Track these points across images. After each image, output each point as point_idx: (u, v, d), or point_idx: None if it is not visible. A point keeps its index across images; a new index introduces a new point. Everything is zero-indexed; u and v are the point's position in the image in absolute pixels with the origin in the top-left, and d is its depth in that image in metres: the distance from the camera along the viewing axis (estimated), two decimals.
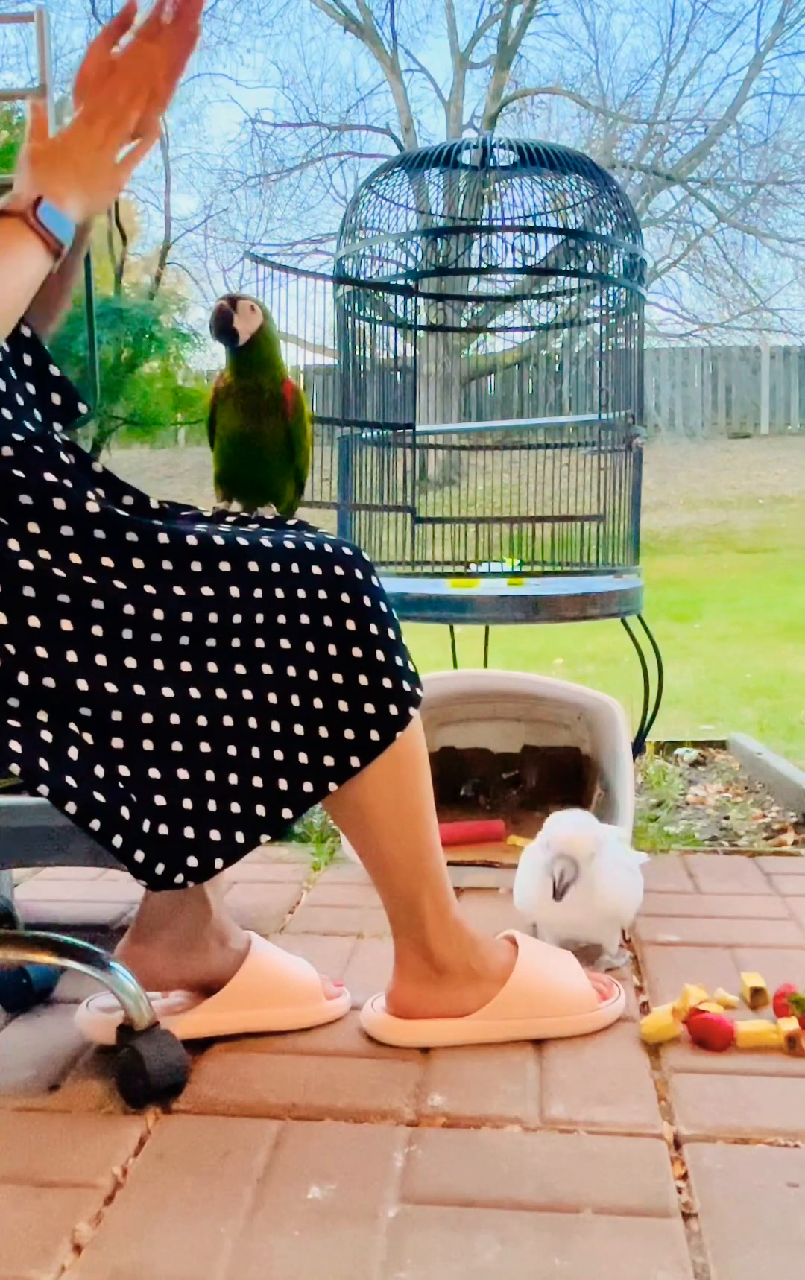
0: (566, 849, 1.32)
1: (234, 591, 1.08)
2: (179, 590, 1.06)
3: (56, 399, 1.13)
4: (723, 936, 1.53)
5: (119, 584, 1.03)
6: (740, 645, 5.12)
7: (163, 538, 1.06)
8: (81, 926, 1.62)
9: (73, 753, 1.01)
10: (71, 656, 1.01)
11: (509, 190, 2.54)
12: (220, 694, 1.08)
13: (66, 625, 1.01)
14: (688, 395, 12.84)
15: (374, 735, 1.15)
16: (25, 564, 1.00)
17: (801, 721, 3.23)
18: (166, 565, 1.06)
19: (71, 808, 1.00)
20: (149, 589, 1.05)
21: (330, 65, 18.78)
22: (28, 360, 1.12)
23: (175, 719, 1.06)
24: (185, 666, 1.07)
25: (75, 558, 1.02)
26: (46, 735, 1.00)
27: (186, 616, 1.06)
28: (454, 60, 14.35)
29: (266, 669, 1.11)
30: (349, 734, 1.14)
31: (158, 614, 1.05)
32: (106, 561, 1.03)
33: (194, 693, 1.07)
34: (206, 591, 1.07)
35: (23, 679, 0.99)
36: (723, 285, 14.48)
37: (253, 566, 1.10)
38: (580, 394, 2.80)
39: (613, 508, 2.38)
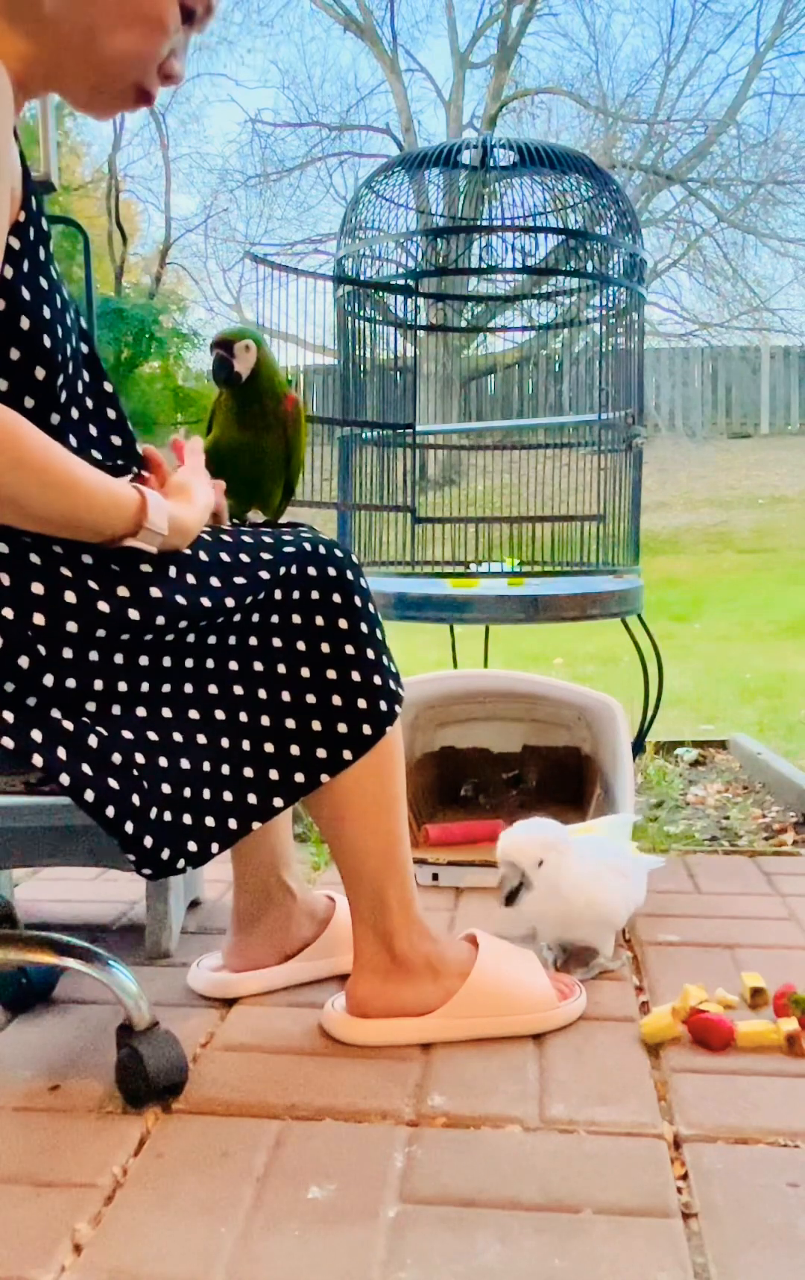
0: (509, 855, 1.31)
1: (228, 602, 1.10)
2: (155, 591, 1.07)
3: (117, 441, 1.17)
4: (723, 936, 1.53)
5: (133, 601, 1.06)
6: (740, 645, 5.12)
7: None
8: (81, 926, 1.62)
9: (93, 740, 1.03)
10: (93, 657, 1.04)
11: (509, 190, 2.55)
12: (212, 690, 1.11)
13: (71, 628, 1.03)
14: (688, 395, 12.82)
15: (366, 730, 1.18)
16: (66, 570, 1.03)
17: (801, 721, 3.23)
18: (142, 569, 1.08)
19: (89, 795, 1.02)
20: (155, 591, 1.07)
21: (330, 65, 18.76)
22: (89, 404, 1.14)
23: (167, 713, 1.09)
24: (188, 663, 1.10)
25: (95, 584, 1.04)
26: (68, 725, 1.03)
27: (182, 622, 1.08)
28: (454, 60, 14.34)
29: (258, 667, 1.14)
30: (342, 728, 1.17)
31: (159, 621, 1.06)
32: (122, 591, 1.05)
33: (188, 689, 1.10)
34: (182, 601, 1.08)
35: (48, 680, 1.01)
36: (723, 285, 14.46)
37: (239, 580, 1.12)
38: (580, 394, 2.80)
39: (613, 508, 2.39)
